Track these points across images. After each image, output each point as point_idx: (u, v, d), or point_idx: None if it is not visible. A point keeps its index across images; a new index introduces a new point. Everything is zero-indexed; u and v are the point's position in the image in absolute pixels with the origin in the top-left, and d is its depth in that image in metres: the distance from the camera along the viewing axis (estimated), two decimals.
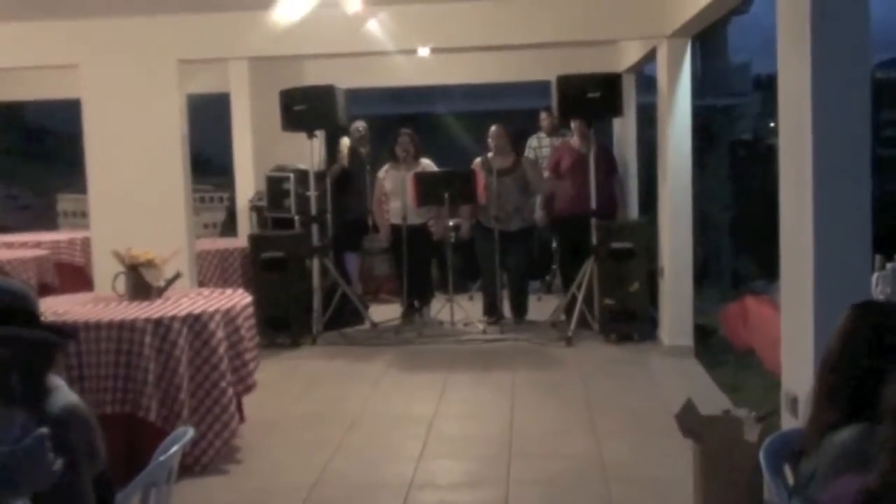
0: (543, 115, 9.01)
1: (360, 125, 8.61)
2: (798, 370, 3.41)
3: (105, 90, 6.64)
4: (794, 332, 3.54)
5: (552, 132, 8.95)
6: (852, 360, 2.18)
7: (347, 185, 8.36)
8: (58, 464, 1.90)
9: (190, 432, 2.48)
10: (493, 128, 7.78)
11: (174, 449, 2.37)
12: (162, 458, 2.33)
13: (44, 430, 1.90)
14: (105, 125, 6.66)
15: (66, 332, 2.30)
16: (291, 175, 7.67)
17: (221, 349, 4.51)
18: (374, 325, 7.79)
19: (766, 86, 19.32)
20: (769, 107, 16.98)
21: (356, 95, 9.23)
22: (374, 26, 6.41)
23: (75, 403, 2.16)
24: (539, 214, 8.05)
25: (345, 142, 8.26)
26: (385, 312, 8.11)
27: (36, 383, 2.11)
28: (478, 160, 7.79)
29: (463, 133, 12.71)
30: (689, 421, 3.76)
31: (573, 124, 7.93)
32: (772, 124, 16.18)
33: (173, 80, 6.64)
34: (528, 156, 8.81)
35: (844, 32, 3.26)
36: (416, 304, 7.90)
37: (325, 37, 6.54)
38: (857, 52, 3.29)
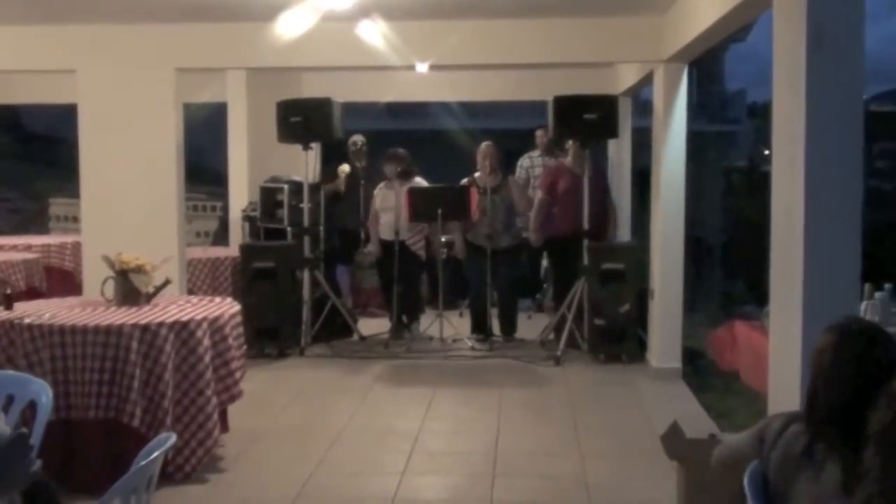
0: (540, 133, 8.87)
1: (357, 139, 8.62)
2: (785, 396, 3.41)
3: (102, 96, 6.65)
4: (781, 359, 3.54)
5: (548, 151, 8.87)
6: (840, 383, 2.18)
7: (341, 198, 8.35)
8: (37, 463, 1.88)
9: (172, 438, 2.46)
10: (482, 146, 7.75)
11: (155, 454, 2.35)
12: (143, 463, 2.31)
13: (24, 429, 1.89)
14: (100, 131, 6.66)
15: None
16: (285, 186, 7.68)
17: (207, 357, 4.49)
18: (363, 338, 7.77)
19: (761, 114, 19.47)
20: (763, 134, 17.10)
21: (354, 109, 9.24)
22: (373, 40, 6.43)
23: None
24: (534, 237, 7.83)
25: (344, 168, 8.23)
26: (374, 326, 8.10)
27: None
28: (465, 180, 7.79)
29: (460, 149, 12.75)
30: (675, 443, 3.76)
31: (569, 144, 7.93)
32: (766, 152, 16.26)
33: (170, 89, 6.64)
34: (521, 175, 8.80)
35: (840, 63, 3.29)
36: (405, 319, 7.90)
37: (324, 49, 6.56)
38: (851, 83, 3.32)
